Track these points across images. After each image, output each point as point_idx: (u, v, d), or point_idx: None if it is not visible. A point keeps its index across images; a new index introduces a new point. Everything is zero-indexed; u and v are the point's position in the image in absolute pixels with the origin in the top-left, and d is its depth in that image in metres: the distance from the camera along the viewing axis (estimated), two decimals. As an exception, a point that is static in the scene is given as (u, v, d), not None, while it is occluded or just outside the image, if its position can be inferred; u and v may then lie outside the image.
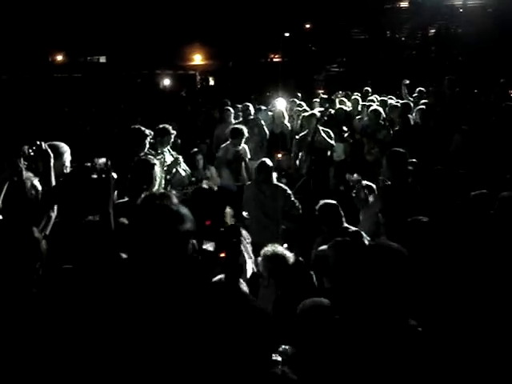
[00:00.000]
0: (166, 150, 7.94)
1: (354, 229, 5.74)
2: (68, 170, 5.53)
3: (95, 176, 3.81)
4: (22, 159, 4.18)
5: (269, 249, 4.82)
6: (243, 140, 9.05)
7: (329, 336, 2.70)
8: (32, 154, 4.16)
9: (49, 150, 4.25)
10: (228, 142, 9.24)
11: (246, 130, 9.07)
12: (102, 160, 3.90)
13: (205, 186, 5.07)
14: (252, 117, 11.30)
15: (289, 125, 11.45)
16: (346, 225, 5.79)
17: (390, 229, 6.07)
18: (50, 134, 7.49)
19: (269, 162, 7.60)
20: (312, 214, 6.24)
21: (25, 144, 4.18)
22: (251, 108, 11.65)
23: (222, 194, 5.45)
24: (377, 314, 2.54)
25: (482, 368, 3.54)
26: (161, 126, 8.12)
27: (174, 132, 8.10)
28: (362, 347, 2.51)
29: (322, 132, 9.84)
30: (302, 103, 13.15)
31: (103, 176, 3.73)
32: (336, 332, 2.70)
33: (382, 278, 2.56)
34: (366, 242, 5.19)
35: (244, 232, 4.95)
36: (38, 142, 4.17)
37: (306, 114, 10.89)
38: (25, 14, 23.72)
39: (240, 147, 9.13)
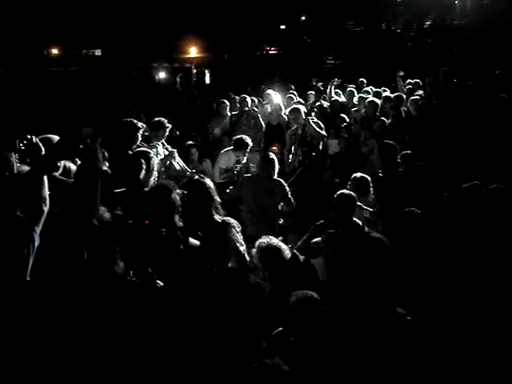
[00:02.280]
0: (160, 143, 7.92)
1: (358, 222, 5.74)
2: (61, 163, 5.55)
3: (81, 146, 3.84)
4: (13, 153, 4.16)
5: (263, 241, 4.83)
6: (247, 151, 8.65)
7: (319, 327, 2.72)
8: (23, 147, 4.15)
9: (39, 144, 4.24)
10: (230, 149, 8.88)
11: (250, 141, 8.65)
12: (89, 130, 3.93)
13: (196, 177, 5.06)
14: (247, 108, 11.29)
15: (285, 117, 11.42)
16: (355, 219, 5.79)
17: (384, 219, 6.11)
18: (45, 128, 7.49)
19: (273, 156, 7.54)
20: (306, 206, 6.25)
21: (16, 138, 4.17)
22: (248, 100, 11.63)
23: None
24: (365, 304, 2.56)
25: (470, 355, 3.56)
26: (156, 119, 8.09)
27: (169, 126, 8.06)
28: (351, 337, 2.52)
29: (312, 124, 9.78)
30: (293, 96, 13.09)
31: (89, 146, 3.75)
32: (326, 323, 2.72)
33: (367, 268, 2.58)
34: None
35: (234, 221, 4.97)
36: (29, 136, 4.15)
37: (291, 107, 10.76)
38: (20, 8, 23.61)
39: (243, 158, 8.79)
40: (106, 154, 6.62)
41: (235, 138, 8.88)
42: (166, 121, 8.07)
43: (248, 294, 2.42)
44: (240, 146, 8.57)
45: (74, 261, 3.27)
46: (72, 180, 5.22)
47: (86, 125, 4.22)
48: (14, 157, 4.20)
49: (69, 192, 4.75)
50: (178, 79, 23.17)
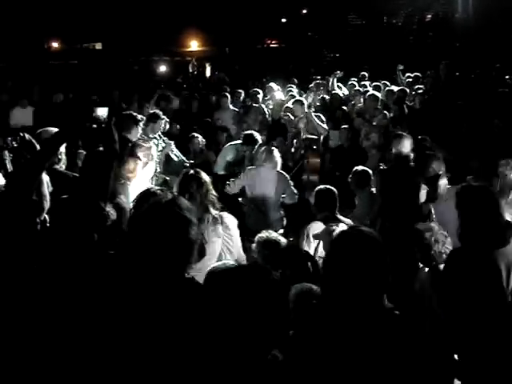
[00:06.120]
0: (157, 135, 7.91)
1: (345, 220, 5.74)
2: (63, 156, 5.54)
3: (95, 126, 3.79)
4: (6, 152, 4.11)
5: (263, 235, 4.83)
6: (256, 147, 8.48)
7: (311, 320, 2.71)
8: (16, 145, 4.10)
9: (33, 141, 4.20)
10: (238, 143, 8.88)
11: (259, 137, 8.62)
12: (104, 109, 3.86)
13: (191, 171, 5.02)
14: (257, 104, 11.22)
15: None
16: (338, 215, 5.78)
17: (386, 212, 6.08)
18: (45, 121, 7.48)
19: (275, 149, 7.55)
20: (306, 200, 6.25)
21: (8, 136, 4.13)
22: (260, 96, 11.57)
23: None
24: (353, 298, 2.55)
25: (460, 349, 3.56)
26: (151, 111, 8.09)
27: (165, 117, 8.04)
28: (339, 331, 2.52)
29: (314, 117, 9.77)
30: (293, 90, 13.05)
31: (103, 126, 3.69)
32: (315, 316, 2.72)
33: (354, 263, 2.57)
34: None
35: (230, 215, 4.97)
36: (22, 134, 4.10)
37: (292, 101, 10.74)
38: (20, 1, 23.59)
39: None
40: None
41: (245, 132, 8.83)
42: (161, 113, 8.06)
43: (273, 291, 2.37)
44: (249, 141, 8.50)
45: (84, 243, 3.23)
46: (72, 173, 5.21)
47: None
48: (8, 155, 4.16)
49: (72, 183, 4.73)
50: (190, 68, 23.11)
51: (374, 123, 9.71)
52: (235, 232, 4.92)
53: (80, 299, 2.92)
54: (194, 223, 2.73)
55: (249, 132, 8.72)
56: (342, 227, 4.75)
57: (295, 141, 9.82)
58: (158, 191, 4.24)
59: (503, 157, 6.08)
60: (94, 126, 3.84)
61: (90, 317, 2.74)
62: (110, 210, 3.60)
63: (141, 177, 5.69)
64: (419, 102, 10.31)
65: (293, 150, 9.80)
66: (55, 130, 5.07)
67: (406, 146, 6.99)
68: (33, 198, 3.73)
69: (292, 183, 7.49)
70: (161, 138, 8.02)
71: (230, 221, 4.92)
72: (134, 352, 2.52)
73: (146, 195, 4.07)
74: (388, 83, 13.05)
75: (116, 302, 2.65)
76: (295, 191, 7.40)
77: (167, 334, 2.51)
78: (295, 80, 15.68)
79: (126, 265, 2.78)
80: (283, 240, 4.87)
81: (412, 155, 6.76)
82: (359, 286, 2.52)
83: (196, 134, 9.68)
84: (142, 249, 2.66)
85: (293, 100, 10.74)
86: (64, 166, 5.32)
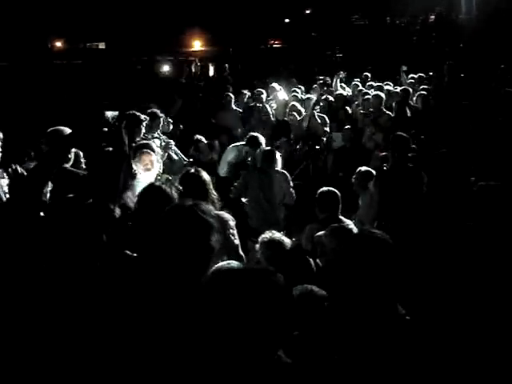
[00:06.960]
0: (156, 134, 7.93)
1: (346, 221, 5.74)
2: (72, 155, 5.54)
3: (106, 129, 3.79)
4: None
5: (266, 235, 4.83)
6: (259, 148, 8.47)
7: (319, 322, 2.71)
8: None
9: (25, 174, 4.20)
10: (241, 145, 9.03)
11: (263, 140, 8.63)
12: (113, 113, 3.87)
13: (192, 170, 5.03)
14: (261, 104, 11.25)
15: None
16: (340, 216, 5.79)
17: (386, 213, 6.09)
18: (51, 121, 7.49)
19: (275, 150, 7.61)
20: (310, 200, 6.26)
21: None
22: (264, 96, 11.60)
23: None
24: (365, 303, 2.54)
25: (470, 355, 3.55)
26: (148, 110, 8.13)
27: (163, 115, 8.08)
28: (351, 335, 2.51)
29: (317, 118, 9.81)
30: (298, 90, 13.05)
31: (113, 128, 3.70)
32: (326, 319, 2.71)
33: (366, 267, 2.55)
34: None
35: (228, 215, 4.97)
36: (14, 166, 4.10)
37: (304, 98, 10.84)
38: (24, 1, 23.60)
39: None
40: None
41: (250, 134, 8.86)
42: (158, 111, 8.11)
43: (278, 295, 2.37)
44: (253, 143, 8.53)
45: (93, 244, 3.24)
46: (83, 172, 5.21)
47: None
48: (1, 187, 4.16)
49: (80, 182, 4.74)
50: (193, 68, 23.17)
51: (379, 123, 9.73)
52: (233, 231, 4.93)
53: (86, 298, 2.92)
54: (216, 229, 2.73)
55: (254, 134, 8.75)
56: (345, 227, 4.77)
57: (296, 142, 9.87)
58: (163, 186, 4.26)
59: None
60: (105, 129, 3.85)
61: (97, 317, 2.74)
62: (116, 210, 3.60)
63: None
64: (422, 102, 10.31)
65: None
66: (66, 129, 5.09)
67: (405, 146, 7.00)
68: (42, 199, 3.75)
69: (292, 184, 7.53)
70: (160, 136, 8.06)
71: (228, 220, 4.92)
72: (141, 353, 2.52)
73: (150, 190, 4.08)
74: (391, 84, 13.05)
75: (127, 304, 2.65)
76: (294, 192, 7.45)
77: (177, 336, 2.51)
78: (294, 80, 15.68)
79: (142, 266, 2.78)
80: (287, 240, 4.87)
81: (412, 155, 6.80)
82: (371, 290, 2.50)
83: (199, 136, 9.73)
84: (162, 251, 2.65)
85: (314, 101, 10.78)
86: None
